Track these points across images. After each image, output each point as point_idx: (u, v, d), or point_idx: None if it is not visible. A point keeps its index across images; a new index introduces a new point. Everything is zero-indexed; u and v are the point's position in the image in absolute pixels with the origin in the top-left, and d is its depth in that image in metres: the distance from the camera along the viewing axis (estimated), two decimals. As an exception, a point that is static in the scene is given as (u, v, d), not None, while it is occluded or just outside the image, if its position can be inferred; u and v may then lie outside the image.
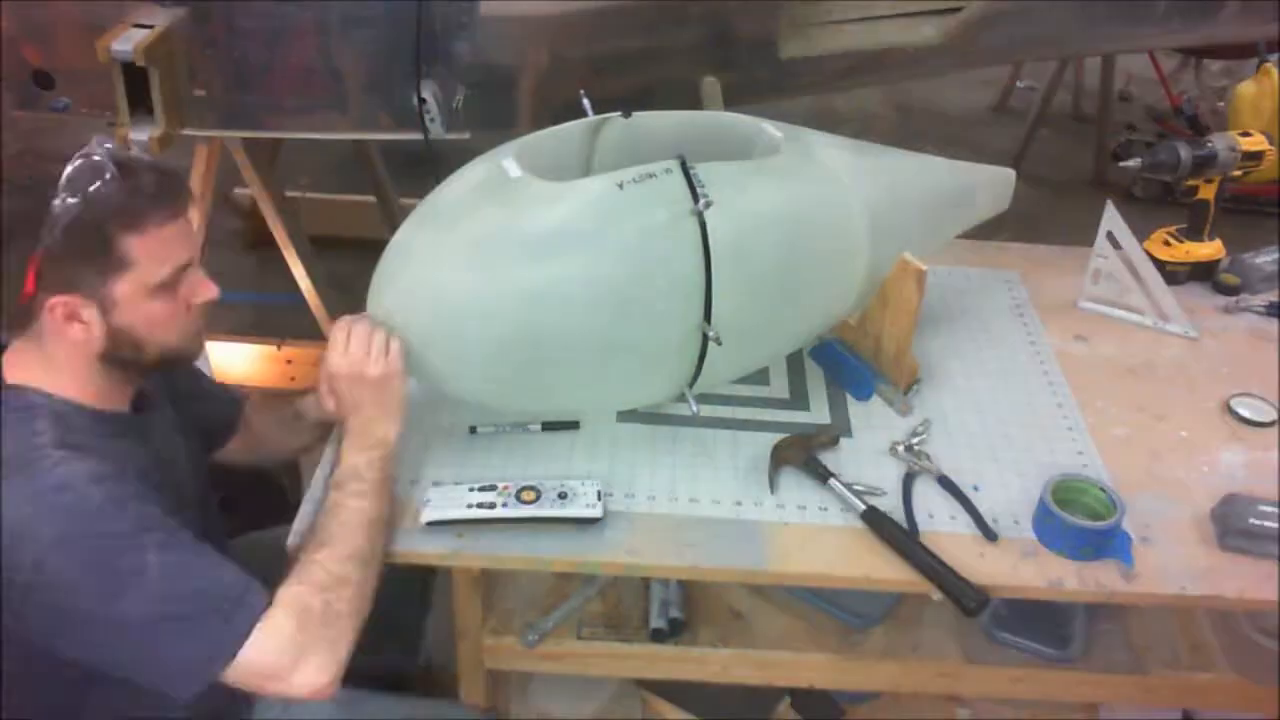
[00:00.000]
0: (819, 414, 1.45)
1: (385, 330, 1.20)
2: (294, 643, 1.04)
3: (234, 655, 1.02)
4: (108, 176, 1.04)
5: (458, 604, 1.38)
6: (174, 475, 1.21)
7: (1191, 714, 1.67)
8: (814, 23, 2.34)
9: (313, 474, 1.31)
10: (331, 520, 1.14)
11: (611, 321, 1.21)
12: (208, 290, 1.16)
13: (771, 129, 1.40)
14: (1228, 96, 3.94)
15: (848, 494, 1.28)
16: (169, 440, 1.24)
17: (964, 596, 1.17)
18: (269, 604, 1.05)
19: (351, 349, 1.19)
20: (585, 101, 1.42)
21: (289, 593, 1.07)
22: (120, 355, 1.11)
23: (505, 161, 1.25)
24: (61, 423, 1.07)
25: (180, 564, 1.03)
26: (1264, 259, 1.76)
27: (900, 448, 1.37)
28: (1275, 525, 1.23)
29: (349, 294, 1.62)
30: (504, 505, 1.25)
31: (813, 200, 1.33)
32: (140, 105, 1.95)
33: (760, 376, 1.51)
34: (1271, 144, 1.69)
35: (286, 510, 1.64)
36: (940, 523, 1.28)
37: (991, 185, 1.63)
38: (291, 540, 1.21)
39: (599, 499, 1.26)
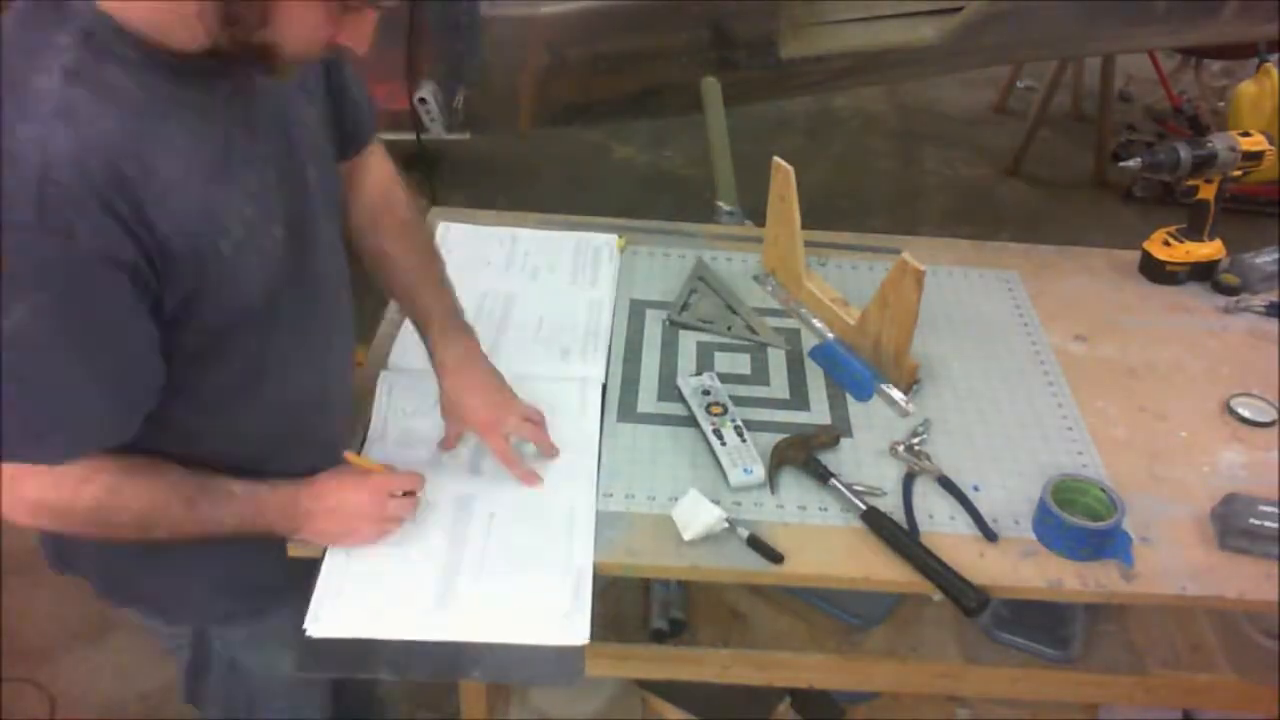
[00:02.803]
0: (819, 414, 1.45)
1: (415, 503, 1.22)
2: (33, 503, 0.98)
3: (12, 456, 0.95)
4: None
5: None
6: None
7: (1191, 714, 1.67)
8: (814, 23, 2.34)
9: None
10: (203, 495, 1.06)
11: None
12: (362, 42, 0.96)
13: None
14: (1228, 96, 3.95)
15: (848, 494, 1.28)
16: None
17: (964, 597, 1.17)
18: (70, 459, 0.97)
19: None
20: None
21: (95, 485, 0.99)
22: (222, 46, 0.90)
23: None
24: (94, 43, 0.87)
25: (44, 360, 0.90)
26: (1264, 259, 1.75)
27: (900, 448, 1.37)
28: (1275, 525, 1.23)
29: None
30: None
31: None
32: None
33: (760, 376, 1.51)
34: (1271, 144, 1.69)
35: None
36: (940, 523, 1.28)
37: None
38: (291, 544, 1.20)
39: None
